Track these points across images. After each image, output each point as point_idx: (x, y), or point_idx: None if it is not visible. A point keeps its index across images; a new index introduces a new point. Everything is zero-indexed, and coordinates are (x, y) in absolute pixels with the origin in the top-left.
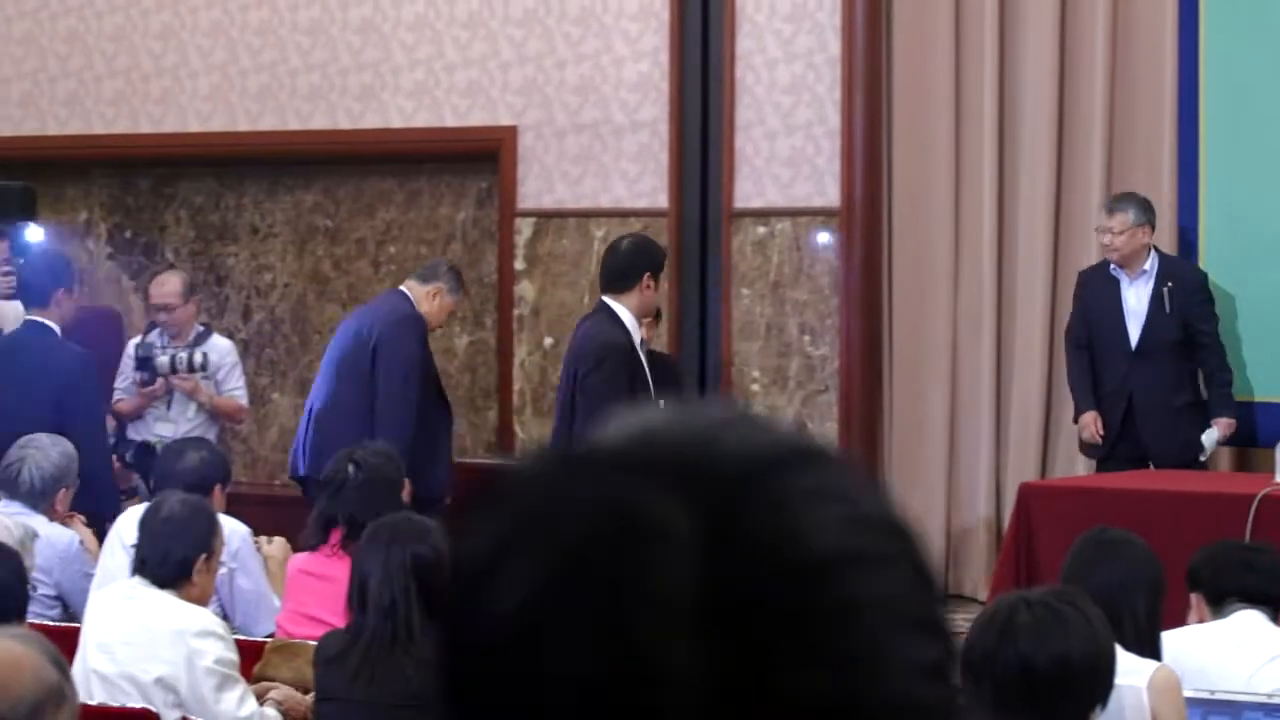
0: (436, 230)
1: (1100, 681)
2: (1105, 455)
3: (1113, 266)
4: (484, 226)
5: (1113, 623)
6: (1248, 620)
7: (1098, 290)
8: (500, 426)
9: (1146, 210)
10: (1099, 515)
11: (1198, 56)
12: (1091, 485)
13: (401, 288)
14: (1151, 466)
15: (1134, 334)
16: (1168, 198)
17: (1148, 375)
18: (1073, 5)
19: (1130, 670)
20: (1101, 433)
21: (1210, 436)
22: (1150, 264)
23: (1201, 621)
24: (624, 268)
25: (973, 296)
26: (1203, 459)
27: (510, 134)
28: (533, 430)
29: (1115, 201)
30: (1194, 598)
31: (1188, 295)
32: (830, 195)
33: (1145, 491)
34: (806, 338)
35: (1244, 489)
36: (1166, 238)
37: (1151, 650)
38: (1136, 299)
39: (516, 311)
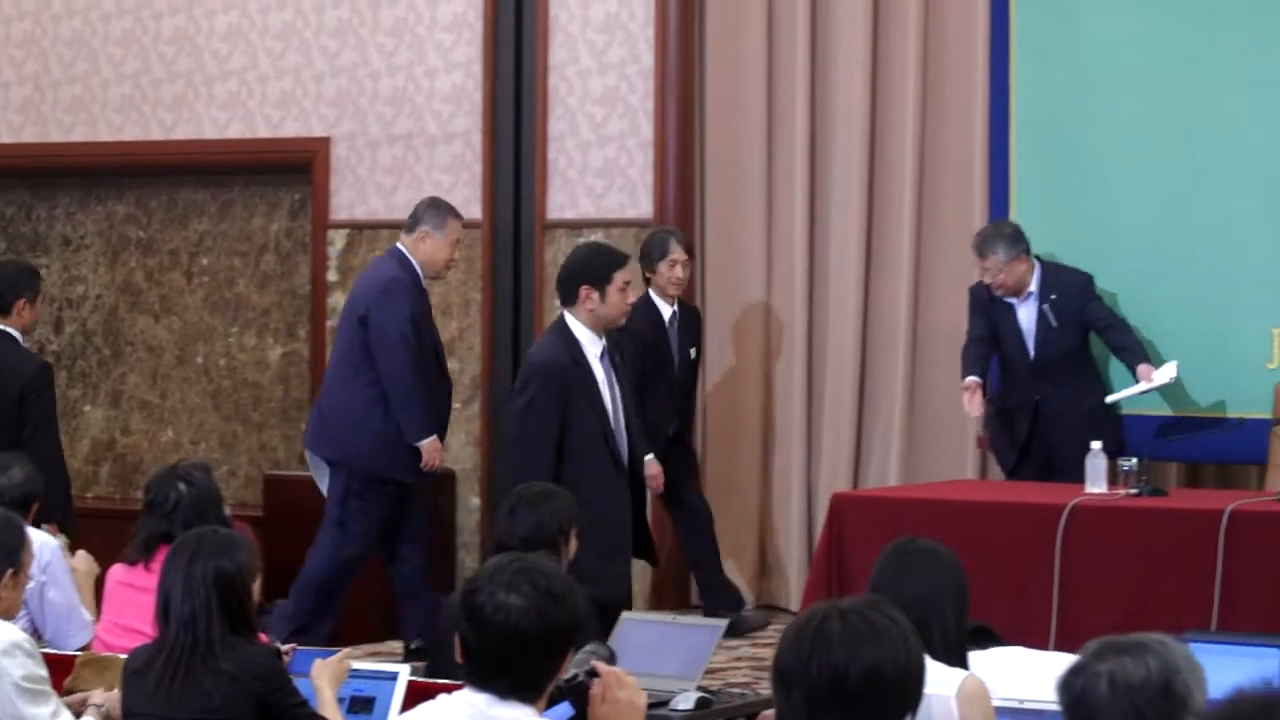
0: (249, 241)
1: (911, 691)
2: (1013, 466)
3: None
4: (297, 238)
5: (921, 632)
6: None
7: (994, 307)
8: None
9: (1016, 241)
10: (910, 525)
11: (1008, 73)
12: (903, 496)
13: (396, 244)
14: (1059, 478)
15: (1031, 350)
16: (979, 207)
17: (1050, 387)
18: (884, 17)
19: (939, 680)
20: (980, 407)
21: (1160, 372)
22: (1034, 283)
23: None
24: (561, 282)
25: (785, 306)
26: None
27: (323, 145)
28: None
29: (982, 244)
30: None
31: (1072, 303)
32: (643, 206)
33: (956, 501)
34: None
35: (1054, 499)
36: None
37: (959, 659)
38: (1027, 318)
39: (329, 323)
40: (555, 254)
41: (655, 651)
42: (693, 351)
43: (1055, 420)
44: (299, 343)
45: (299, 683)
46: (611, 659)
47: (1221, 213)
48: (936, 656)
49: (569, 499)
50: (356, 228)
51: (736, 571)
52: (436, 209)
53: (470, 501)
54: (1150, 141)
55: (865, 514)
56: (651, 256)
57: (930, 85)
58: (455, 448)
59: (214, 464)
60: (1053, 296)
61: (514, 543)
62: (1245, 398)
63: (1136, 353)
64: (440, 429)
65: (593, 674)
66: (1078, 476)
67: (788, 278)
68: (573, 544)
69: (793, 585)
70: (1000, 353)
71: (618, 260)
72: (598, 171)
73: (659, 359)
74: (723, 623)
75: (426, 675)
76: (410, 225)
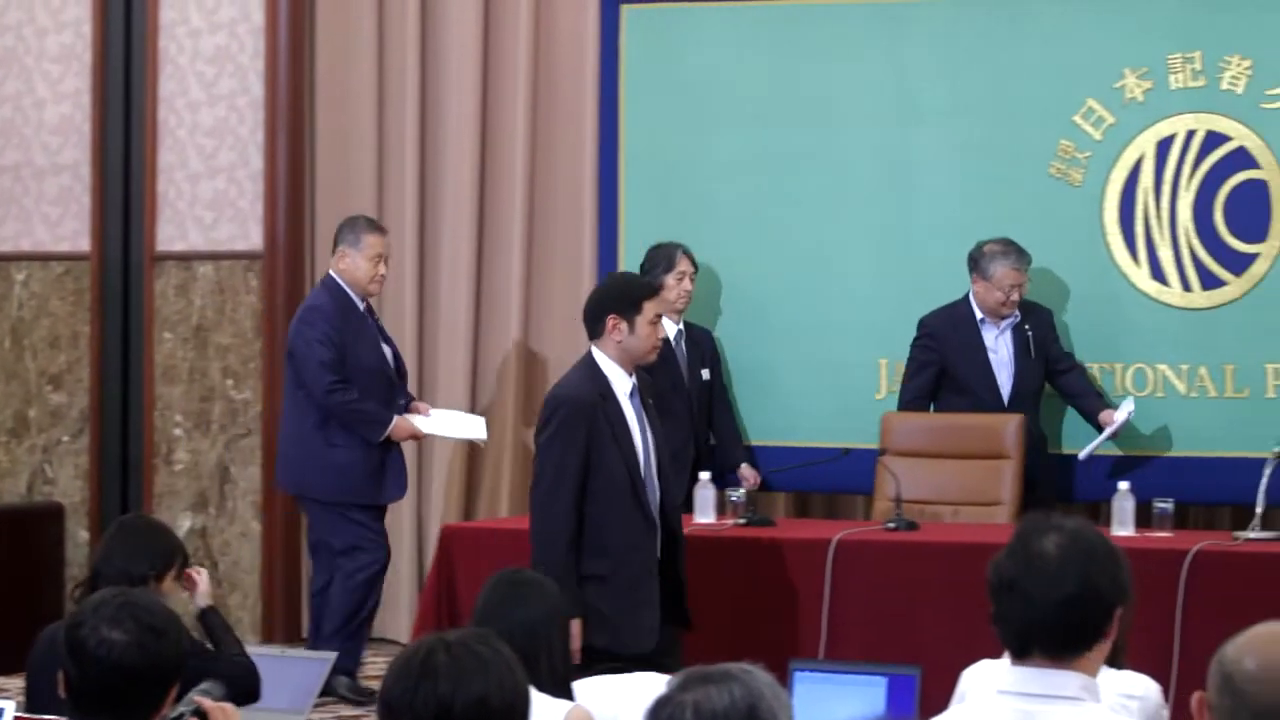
0: None
1: None
2: None
3: (980, 316)
4: None
5: (527, 663)
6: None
7: (953, 338)
8: None
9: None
10: (521, 557)
11: (617, 105)
12: (514, 527)
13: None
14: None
15: (1006, 385)
16: (589, 237)
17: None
18: (495, 46)
19: (545, 711)
20: None
21: (1120, 412)
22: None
23: None
24: (588, 312)
25: (395, 335)
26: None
27: None
28: None
29: (1021, 254)
30: None
31: (1045, 334)
32: (254, 238)
33: None
34: (230, 381)
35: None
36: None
37: (564, 690)
38: (1005, 349)
39: None
40: (165, 286)
41: (264, 684)
42: (704, 373)
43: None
44: None
45: None
46: (226, 697)
47: (826, 244)
48: (542, 688)
49: (172, 537)
50: None
51: None
52: (352, 226)
53: (79, 535)
54: (756, 173)
55: (475, 545)
56: (656, 271)
57: (540, 116)
58: (64, 480)
59: None
60: (1027, 327)
61: (112, 574)
62: (853, 428)
63: (1094, 399)
64: (393, 459)
65: (199, 713)
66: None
67: (398, 307)
68: (169, 583)
69: (404, 617)
70: (949, 397)
71: (648, 290)
72: (207, 203)
73: (669, 379)
74: (332, 655)
75: (26, 710)
76: (333, 247)
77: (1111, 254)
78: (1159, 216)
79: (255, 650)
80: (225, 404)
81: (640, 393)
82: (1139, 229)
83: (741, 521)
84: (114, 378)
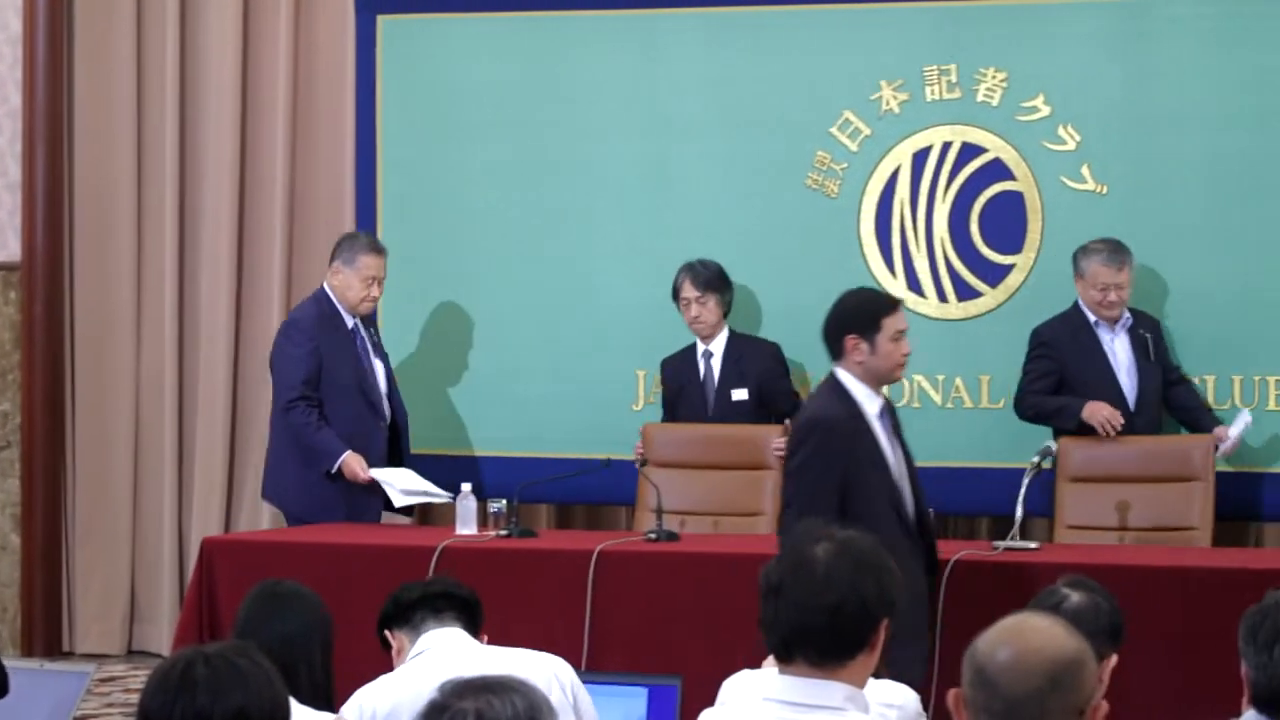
0: None
1: None
2: None
3: (1093, 319)
4: None
5: (288, 675)
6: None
7: (1070, 345)
8: None
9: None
10: (282, 569)
11: (374, 114)
12: (274, 540)
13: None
14: None
15: (1131, 391)
16: None
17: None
18: (254, 55)
19: None
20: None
21: (1235, 427)
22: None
23: None
24: (826, 333)
25: (155, 351)
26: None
27: None
28: None
29: (1115, 253)
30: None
31: (1159, 339)
32: (11, 249)
33: (325, 545)
34: None
35: (425, 541)
36: None
37: (325, 703)
38: (1123, 351)
39: None
40: None
41: (20, 700)
42: (738, 393)
43: None
44: None
45: None
46: None
47: (583, 255)
48: (303, 699)
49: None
50: None
51: (107, 616)
52: (351, 244)
53: None
54: (513, 184)
55: (236, 558)
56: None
57: (300, 126)
58: None
59: None
60: (1141, 329)
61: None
62: (613, 439)
63: (1204, 415)
64: (367, 455)
65: None
66: None
67: (158, 321)
68: None
69: (165, 630)
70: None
71: (887, 305)
72: None
73: (691, 402)
74: (91, 668)
75: None
76: (330, 259)
77: (868, 265)
78: (915, 228)
79: (13, 663)
80: None
81: (890, 412)
82: (895, 240)
83: (504, 533)
84: None
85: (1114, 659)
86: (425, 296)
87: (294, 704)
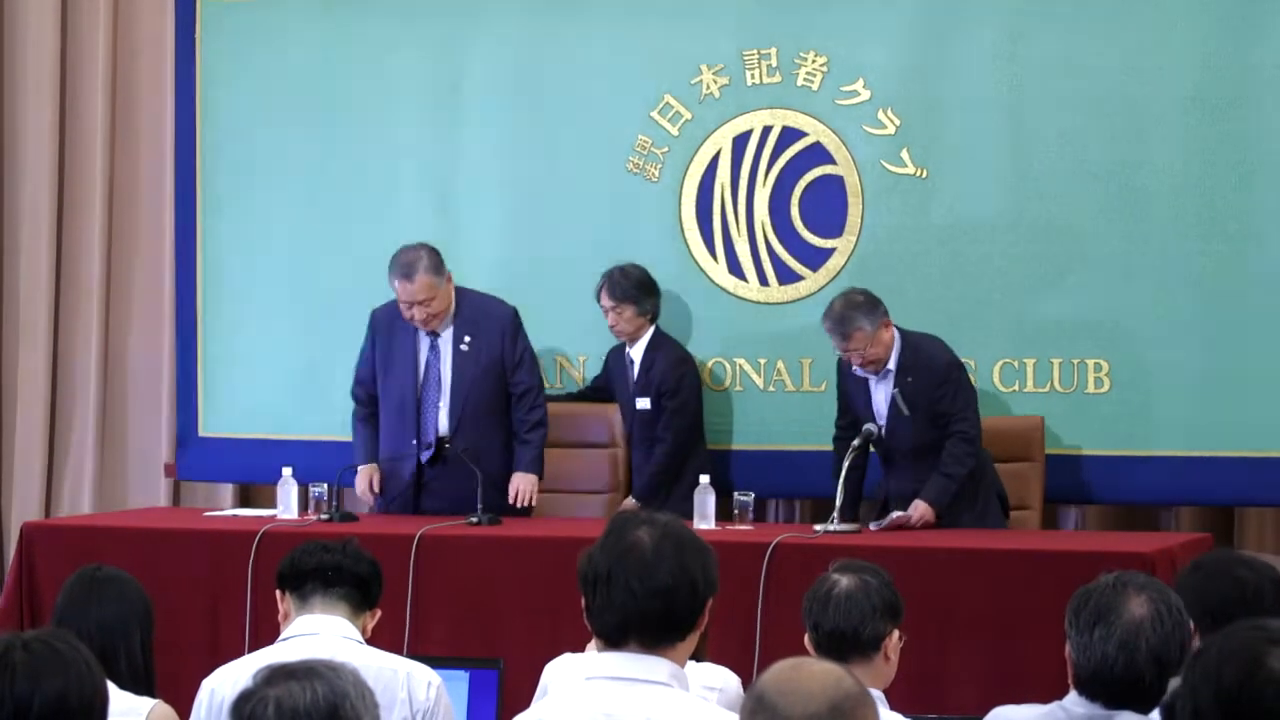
0: None
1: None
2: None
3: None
4: None
5: (107, 660)
6: None
7: (850, 380)
8: None
9: (874, 307)
10: (103, 554)
11: (194, 102)
12: (95, 524)
13: None
14: None
15: (886, 433)
16: (168, 236)
17: (897, 484)
18: (73, 46)
19: (126, 709)
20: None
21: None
22: (892, 359)
23: None
24: None
25: None
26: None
27: None
28: None
29: (841, 322)
30: None
31: (927, 390)
32: None
33: (147, 530)
34: None
35: (246, 527)
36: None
37: (147, 687)
38: (882, 399)
39: None
40: None
41: None
42: (642, 402)
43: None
44: None
45: None
46: None
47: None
48: (123, 685)
49: None
50: None
51: None
52: (390, 265)
53: None
54: (324, 170)
55: (57, 543)
56: None
57: (120, 112)
58: None
59: None
60: (908, 379)
61: None
62: None
63: (935, 479)
64: (391, 461)
65: None
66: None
67: None
68: None
69: None
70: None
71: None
72: None
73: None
74: None
75: None
76: None
77: (690, 249)
78: (736, 212)
79: None
80: None
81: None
82: (716, 224)
83: (324, 517)
84: None
85: (898, 635)
86: (247, 282)
87: (113, 689)
